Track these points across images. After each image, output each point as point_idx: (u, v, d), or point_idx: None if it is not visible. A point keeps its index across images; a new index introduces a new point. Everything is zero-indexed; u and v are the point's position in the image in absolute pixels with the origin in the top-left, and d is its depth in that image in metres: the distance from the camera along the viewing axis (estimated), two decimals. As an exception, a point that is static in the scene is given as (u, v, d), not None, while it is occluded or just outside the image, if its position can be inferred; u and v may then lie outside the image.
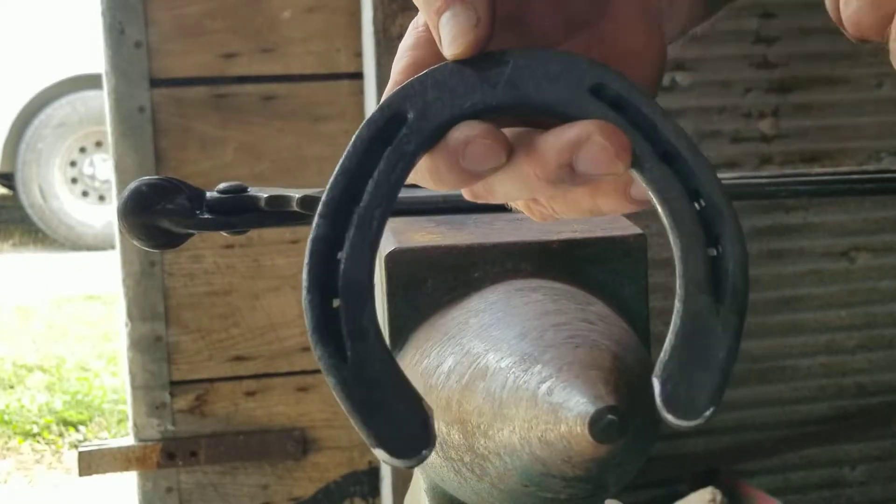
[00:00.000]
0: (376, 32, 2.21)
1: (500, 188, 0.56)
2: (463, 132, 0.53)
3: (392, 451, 0.50)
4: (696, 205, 0.51)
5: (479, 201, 0.58)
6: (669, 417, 0.50)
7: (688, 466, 2.68)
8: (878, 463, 2.84)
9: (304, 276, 0.51)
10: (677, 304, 0.51)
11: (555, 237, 0.80)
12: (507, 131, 0.54)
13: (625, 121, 0.52)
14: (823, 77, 2.67)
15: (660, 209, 0.52)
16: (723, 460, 2.70)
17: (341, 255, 0.52)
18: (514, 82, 0.54)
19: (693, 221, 0.51)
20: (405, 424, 0.50)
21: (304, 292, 0.51)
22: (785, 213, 2.68)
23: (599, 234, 0.80)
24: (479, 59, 0.54)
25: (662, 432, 0.64)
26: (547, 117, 0.54)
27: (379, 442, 0.50)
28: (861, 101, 2.70)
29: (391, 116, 0.54)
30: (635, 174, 0.52)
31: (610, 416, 0.58)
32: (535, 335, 0.66)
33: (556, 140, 0.52)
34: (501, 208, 0.90)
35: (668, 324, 0.50)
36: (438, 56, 0.56)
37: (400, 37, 2.38)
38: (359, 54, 2.32)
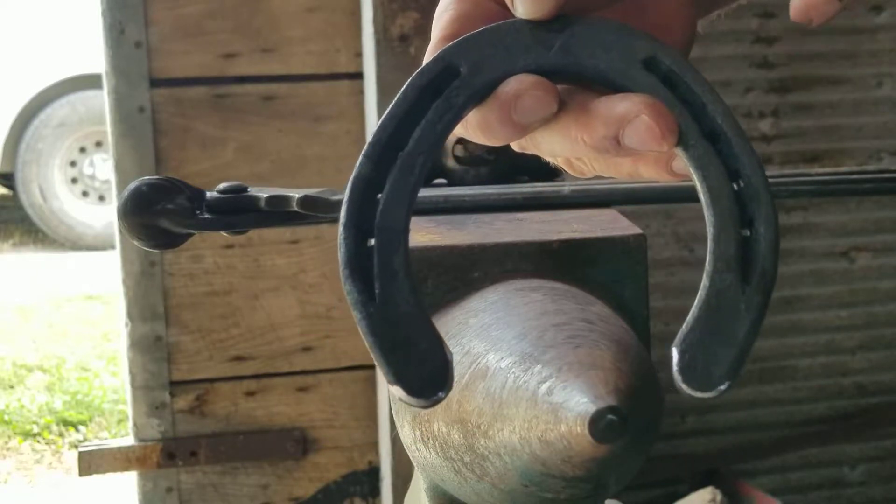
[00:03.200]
0: (376, 32, 2.21)
1: (545, 144, 0.56)
2: (514, 85, 0.54)
3: (409, 389, 0.50)
4: (735, 185, 0.52)
5: (526, 152, 0.59)
6: (684, 387, 0.50)
7: (688, 466, 2.68)
8: (878, 463, 2.84)
9: (343, 212, 0.52)
10: (704, 280, 0.51)
11: (555, 237, 0.80)
12: (559, 87, 0.55)
13: (673, 96, 0.53)
14: (823, 77, 2.67)
15: (698, 186, 0.52)
16: (723, 460, 2.70)
17: (381, 197, 0.53)
18: (568, 47, 0.54)
19: (730, 200, 0.52)
20: (425, 365, 0.51)
21: (340, 228, 0.52)
22: (785, 214, 2.68)
23: (599, 234, 0.80)
24: (538, 21, 0.55)
25: (662, 432, 0.64)
26: (598, 85, 0.54)
27: (397, 378, 0.50)
28: (861, 101, 2.70)
29: (444, 68, 0.55)
30: (678, 150, 0.53)
31: (610, 417, 0.58)
32: (535, 335, 0.66)
33: (606, 111, 0.53)
34: (501, 208, 0.90)
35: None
36: (483, 8, 0.57)
37: (400, 37, 2.40)
38: (359, 54, 2.32)
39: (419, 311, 0.51)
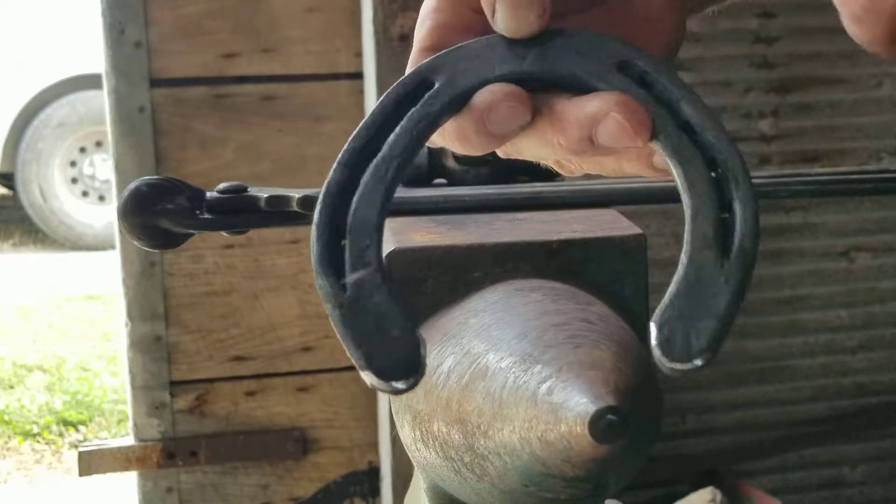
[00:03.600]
0: (376, 32, 2.21)
1: (527, 150, 0.57)
2: (487, 95, 0.54)
3: (379, 374, 0.50)
4: (713, 173, 0.52)
5: (511, 158, 0.59)
6: (663, 361, 0.49)
7: (688, 466, 2.68)
8: (878, 463, 2.84)
9: (316, 214, 0.53)
10: (682, 258, 0.51)
11: (555, 237, 0.80)
12: (533, 94, 0.55)
13: (649, 96, 0.53)
14: (823, 77, 2.67)
15: (675, 176, 0.52)
16: (723, 460, 2.70)
17: (354, 199, 0.53)
18: (543, 56, 0.55)
19: (707, 184, 0.52)
20: (397, 351, 0.50)
21: (312, 229, 0.52)
22: (785, 214, 2.68)
23: (599, 234, 0.80)
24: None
25: (662, 432, 0.64)
26: (573, 89, 0.55)
27: (368, 363, 0.50)
28: (861, 101, 2.70)
29: (420, 81, 0.55)
30: (656, 144, 0.53)
31: (610, 417, 0.58)
32: (535, 335, 0.66)
33: (578, 112, 0.53)
34: (501, 208, 0.90)
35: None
36: (462, 17, 0.57)
37: (400, 37, 2.39)
38: (359, 54, 2.32)
39: (390, 302, 0.51)
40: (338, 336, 0.51)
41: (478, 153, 0.56)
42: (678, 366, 0.49)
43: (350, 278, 0.51)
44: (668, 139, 0.52)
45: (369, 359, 0.50)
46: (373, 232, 0.52)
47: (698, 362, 0.49)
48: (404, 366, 0.50)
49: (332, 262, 0.52)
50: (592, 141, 0.53)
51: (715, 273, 0.50)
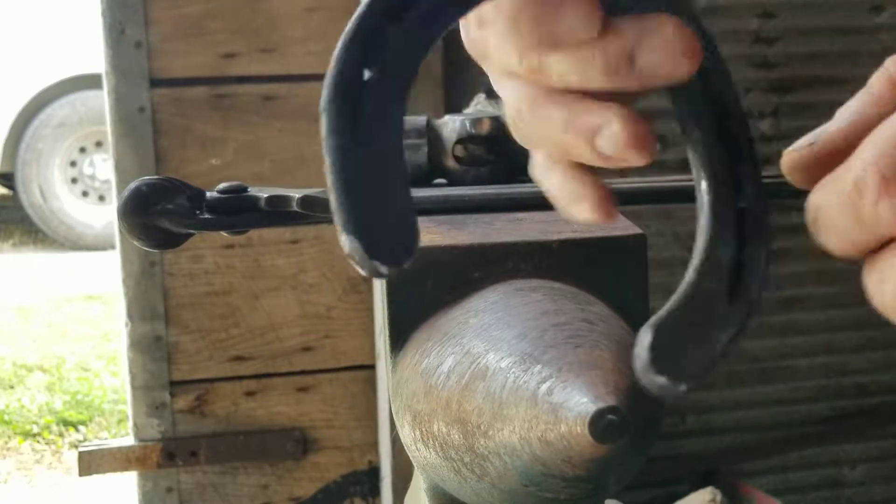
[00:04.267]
0: (376, 32, 2.21)
1: (556, 66, 0.47)
2: None
3: (367, 247, 0.42)
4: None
5: (532, 77, 0.49)
6: (649, 370, 0.45)
7: (688, 466, 2.68)
8: (878, 463, 2.84)
9: (344, 35, 0.44)
10: (689, 273, 0.48)
11: (555, 237, 0.80)
12: None
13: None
14: (823, 77, 2.67)
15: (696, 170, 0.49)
16: (723, 460, 2.70)
17: (392, 30, 0.44)
18: None
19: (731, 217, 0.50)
20: (390, 229, 0.42)
21: (336, 53, 0.43)
22: (785, 214, 2.67)
23: (599, 234, 0.80)
24: None
25: (662, 432, 0.64)
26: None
27: (357, 229, 0.42)
28: (861, 101, 2.70)
29: None
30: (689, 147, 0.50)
31: (610, 417, 0.58)
32: (535, 335, 0.66)
33: (623, 25, 0.46)
34: (501, 208, 0.90)
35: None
36: None
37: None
38: (359, 54, 2.32)
39: (403, 169, 0.43)
40: (328, 184, 0.42)
41: (514, 58, 0.47)
42: (662, 381, 0.45)
43: (366, 126, 0.43)
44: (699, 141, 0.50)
45: (359, 226, 0.42)
46: (408, 79, 0.44)
47: (683, 388, 0.45)
48: (397, 247, 0.42)
49: (351, 99, 0.43)
50: (632, 61, 0.46)
51: (722, 305, 0.48)
